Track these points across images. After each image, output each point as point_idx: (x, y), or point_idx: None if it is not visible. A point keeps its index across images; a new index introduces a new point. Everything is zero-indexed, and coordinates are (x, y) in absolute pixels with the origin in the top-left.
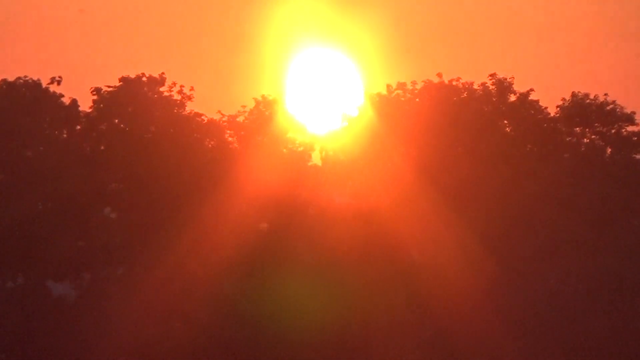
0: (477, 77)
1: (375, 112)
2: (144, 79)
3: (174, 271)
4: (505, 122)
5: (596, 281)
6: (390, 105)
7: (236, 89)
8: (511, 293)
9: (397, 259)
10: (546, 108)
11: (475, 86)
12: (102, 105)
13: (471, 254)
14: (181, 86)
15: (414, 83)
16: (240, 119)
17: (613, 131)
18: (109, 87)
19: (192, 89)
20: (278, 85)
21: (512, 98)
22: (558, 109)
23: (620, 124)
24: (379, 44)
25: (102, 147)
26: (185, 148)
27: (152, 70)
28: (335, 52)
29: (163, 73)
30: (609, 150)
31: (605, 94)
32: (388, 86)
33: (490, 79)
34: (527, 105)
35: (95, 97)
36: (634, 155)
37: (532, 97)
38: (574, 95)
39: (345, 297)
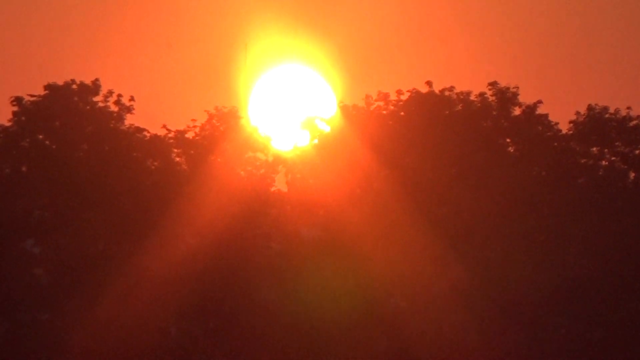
0: (475, 86)
1: (351, 127)
2: (74, 86)
3: (111, 317)
4: (508, 140)
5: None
6: (369, 120)
7: (185, 101)
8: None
9: (374, 303)
10: (557, 124)
11: (472, 97)
12: (24, 118)
13: (463, 294)
14: (118, 95)
15: (399, 93)
16: (190, 135)
17: (637, 152)
18: (32, 96)
19: (131, 99)
20: (234, 97)
21: (517, 111)
22: (571, 124)
23: None
24: (355, 49)
25: (24, 168)
26: (124, 169)
27: (83, 77)
28: (302, 65)
29: (97, 79)
30: (632, 174)
31: (628, 108)
32: (367, 97)
33: (490, 89)
34: (533, 121)
35: (16, 109)
36: None
37: (540, 110)
38: (590, 108)
39: (316, 345)
